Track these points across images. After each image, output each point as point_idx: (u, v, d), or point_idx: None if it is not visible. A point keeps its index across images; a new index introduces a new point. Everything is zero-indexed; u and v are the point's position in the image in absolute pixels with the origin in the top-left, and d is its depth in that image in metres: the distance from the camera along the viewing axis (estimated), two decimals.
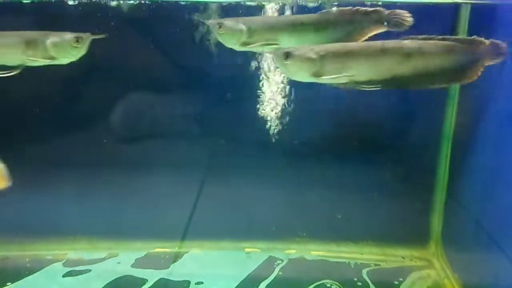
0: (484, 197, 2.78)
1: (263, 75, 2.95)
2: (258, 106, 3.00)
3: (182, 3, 2.69)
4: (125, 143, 3.25)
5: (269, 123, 3.05)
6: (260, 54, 2.86)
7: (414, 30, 2.81)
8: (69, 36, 2.22)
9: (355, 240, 3.35)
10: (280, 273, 3.11)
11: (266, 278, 3.03)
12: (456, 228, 3.15)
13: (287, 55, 2.00)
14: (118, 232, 3.35)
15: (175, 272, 3.11)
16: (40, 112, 3.11)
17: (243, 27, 2.16)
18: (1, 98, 3.02)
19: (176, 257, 3.28)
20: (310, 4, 2.45)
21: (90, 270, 3.09)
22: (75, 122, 3.17)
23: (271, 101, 3.00)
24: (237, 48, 2.24)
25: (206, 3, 2.64)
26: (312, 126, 3.17)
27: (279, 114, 3.04)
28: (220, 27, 2.20)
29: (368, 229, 3.33)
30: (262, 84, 2.98)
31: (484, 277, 2.77)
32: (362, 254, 3.32)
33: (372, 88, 2.14)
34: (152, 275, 3.04)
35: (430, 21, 2.77)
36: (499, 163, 2.62)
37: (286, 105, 3.02)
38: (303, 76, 2.09)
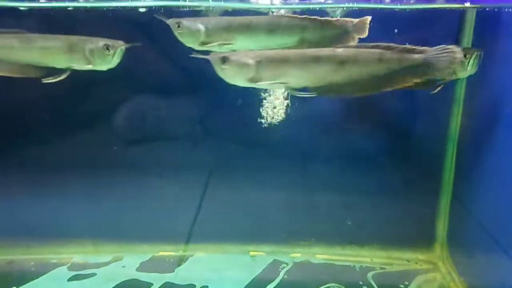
0: (489, 200, 2.78)
1: None
2: (263, 108, 3.00)
3: (185, 8, 2.70)
4: (130, 146, 3.24)
5: (274, 126, 3.05)
6: None
7: (419, 36, 2.85)
8: (100, 43, 2.23)
9: (360, 244, 3.35)
10: (286, 276, 3.10)
11: (271, 282, 3.03)
12: (461, 231, 3.15)
13: (224, 60, 2.06)
14: (123, 236, 3.35)
15: (180, 276, 3.11)
16: (46, 116, 3.12)
17: (201, 27, 2.22)
18: (5, 101, 3.03)
19: (180, 260, 3.28)
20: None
21: (95, 274, 3.09)
22: (81, 126, 3.17)
23: (277, 103, 3.00)
24: (196, 47, 2.28)
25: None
26: (318, 129, 3.17)
27: (285, 116, 3.04)
28: (178, 26, 2.26)
29: (373, 232, 3.33)
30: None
31: (490, 280, 2.77)
32: (367, 257, 3.32)
33: (307, 95, 2.21)
34: (157, 279, 3.04)
35: (435, 27, 2.79)
36: (504, 167, 2.61)
37: (292, 108, 3.02)
38: (240, 80, 2.16)
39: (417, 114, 3.18)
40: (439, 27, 2.82)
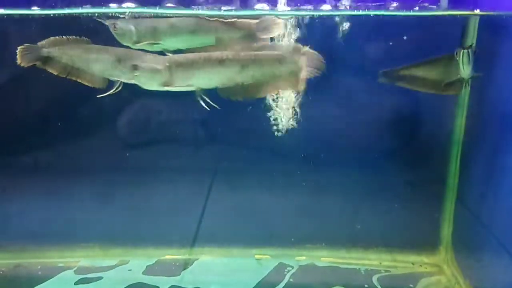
0: (494, 203, 2.78)
1: None
2: (267, 111, 3.01)
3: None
4: (136, 151, 3.26)
5: (281, 129, 3.06)
6: None
7: (423, 43, 2.88)
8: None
9: (365, 247, 3.35)
10: (291, 280, 3.11)
11: (277, 285, 3.03)
12: (466, 234, 3.16)
13: (135, 67, 2.17)
14: (129, 239, 3.36)
15: (186, 279, 3.11)
16: (55, 121, 3.15)
17: (132, 28, 2.33)
18: (17, 107, 3.06)
19: (186, 264, 3.29)
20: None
21: (101, 278, 3.10)
22: (87, 131, 3.19)
23: (281, 106, 3.02)
24: (132, 46, 2.38)
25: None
26: (323, 133, 3.18)
27: (290, 120, 3.05)
28: (114, 27, 2.37)
29: (378, 236, 3.33)
30: None
31: (495, 283, 2.77)
32: (372, 260, 3.32)
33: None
34: (163, 282, 3.05)
35: (439, 34, 2.81)
36: (509, 170, 2.62)
37: (296, 111, 3.03)
38: (153, 85, 2.28)
39: (422, 118, 3.20)
40: (442, 32, 2.84)
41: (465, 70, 2.46)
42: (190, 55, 2.37)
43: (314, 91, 2.93)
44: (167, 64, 2.24)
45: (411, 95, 3.13)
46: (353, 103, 3.16)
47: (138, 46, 2.39)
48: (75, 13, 2.42)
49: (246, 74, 2.39)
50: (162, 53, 2.43)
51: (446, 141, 3.18)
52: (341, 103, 3.16)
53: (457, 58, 2.44)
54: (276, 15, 2.47)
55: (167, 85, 2.26)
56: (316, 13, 2.56)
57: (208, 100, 2.39)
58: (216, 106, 2.40)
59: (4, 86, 3.04)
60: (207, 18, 2.39)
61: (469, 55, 2.41)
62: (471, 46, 2.45)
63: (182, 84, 2.28)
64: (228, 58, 2.34)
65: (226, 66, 2.35)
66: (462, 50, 2.42)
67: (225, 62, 2.34)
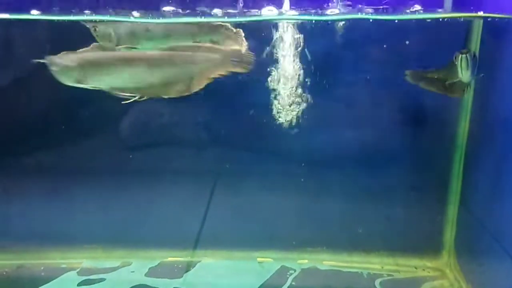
0: (497, 207, 2.78)
1: (277, 82, 2.97)
2: (270, 114, 3.02)
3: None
4: (138, 153, 3.27)
5: (283, 131, 3.07)
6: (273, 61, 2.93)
7: (426, 45, 2.89)
8: None
9: (367, 250, 3.35)
10: (293, 283, 3.11)
11: None
12: (469, 238, 3.15)
13: (51, 62, 2.24)
14: (132, 241, 3.36)
15: (188, 282, 3.12)
16: (55, 123, 3.16)
17: (112, 31, 2.38)
18: (19, 109, 3.08)
19: (188, 266, 3.29)
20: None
21: (104, 279, 3.10)
22: (90, 133, 3.20)
23: (284, 109, 3.02)
24: (113, 48, 2.43)
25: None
26: (324, 135, 3.19)
27: (294, 122, 3.06)
28: (95, 29, 2.43)
29: (381, 239, 3.33)
30: (276, 90, 3.00)
31: (497, 287, 2.76)
32: (375, 264, 3.31)
33: (129, 96, 2.38)
34: (165, 284, 3.06)
35: (442, 35, 2.82)
36: None
37: (300, 113, 3.04)
38: (68, 81, 2.33)
39: (425, 122, 3.19)
40: (445, 35, 2.85)
41: (463, 74, 2.46)
42: (104, 53, 2.42)
43: (316, 95, 2.94)
44: (80, 61, 2.28)
45: (414, 99, 3.15)
46: (356, 107, 3.17)
47: (119, 48, 2.44)
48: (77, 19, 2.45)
49: (156, 74, 2.43)
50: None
51: (449, 145, 3.18)
52: (344, 107, 3.16)
53: (456, 63, 2.44)
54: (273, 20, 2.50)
55: (80, 82, 2.31)
56: (317, 18, 2.57)
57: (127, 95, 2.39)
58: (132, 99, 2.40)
59: (7, 88, 3.06)
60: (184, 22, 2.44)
61: (467, 60, 2.41)
62: (469, 51, 2.44)
63: (95, 82, 2.32)
64: (138, 57, 2.39)
65: (135, 65, 2.39)
66: (460, 55, 2.42)
67: (134, 61, 2.39)
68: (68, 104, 3.12)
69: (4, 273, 3.17)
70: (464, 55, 2.39)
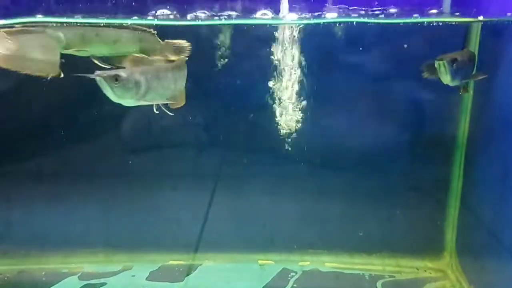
0: (498, 207, 2.78)
1: (278, 83, 2.98)
2: (271, 115, 3.03)
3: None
4: (137, 156, 3.27)
5: (284, 133, 3.08)
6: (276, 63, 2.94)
7: (424, 47, 2.89)
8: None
9: (369, 252, 3.35)
10: (295, 285, 3.11)
11: None
12: (470, 239, 3.16)
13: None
14: (132, 245, 3.36)
15: (189, 285, 3.12)
16: (58, 127, 3.17)
17: (61, 35, 2.34)
18: (19, 112, 3.08)
19: (189, 269, 3.29)
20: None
21: (105, 284, 3.10)
22: (91, 137, 3.21)
23: (285, 110, 3.03)
24: (62, 51, 2.38)
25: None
26: (324, 137, 3.19)
27: (294, 124, 3.07)
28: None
29: (382, 241, 3.33)
30: (277, 92, 3.01)
31: None
32: (376, 265, 3.32)
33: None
34: None
35: (441, 37, 2.82)
36: None
37: (301, 114, 3.05)
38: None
39: (425, 123, 3.21)
40: (445, 37, 2.85)
41: (444, 79, 2.45)
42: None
43: (317, 96, 2.95)
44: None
45: (414, 99, 3.16)
46: (356, 108, 3.18)
47: (66, 52, 2.40)
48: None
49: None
50: None
51: (450, 145, 3.19)
52: (344, 108, 3.17)
53: (436, 67, 2.43)
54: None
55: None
56: (318, 21, 2.58)
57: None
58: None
59: (7, 94, 3.07)
60: (133, 27, 2.41)
61: (445, 66, 2.41)
62: (445, 59, 2.43)
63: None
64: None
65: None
66: (438, 62, 2.41)
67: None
68: (69, 109, 3.12)
69: (6, 278, 3.17)
70: (442, 62, 2.38)
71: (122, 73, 2.11)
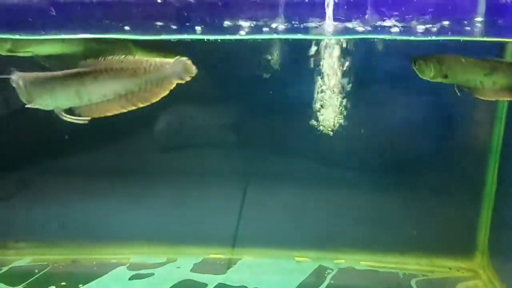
0: None
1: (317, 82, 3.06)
2: (308, 116, 3.08)
3: None
4: (182, 153, 3.42)
5: (320, 134, 3.14)
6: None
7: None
8: None
9: (402, 251, 3.43)
10: (332, 281, 3.19)
11: (319, 286, 3.13)
12: (502, 239, 3.22)
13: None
14: (175, 239, 3.52)
15: (231, 278, 3.24)
16: (108, 128, 3.29)
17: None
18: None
19: (230, 263, 3.41)
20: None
21: (153, 274, 3.25)
22: (138, 135, 3.38)
23: (322, 111, 3.07)
24: (3, 53, 2.42)
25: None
26: (362, 138, 3.26)
27: (330, 124, 3.13)
28: None
29: (415, 241, 3.40)
30: (312, 92, 3.06)
31: None
32: (409, 264, 3.39)
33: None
34: (210, 280, 3.18)
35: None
36: None
37: (336, 116, 3.11)
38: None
39: (459, 126, 3.28)
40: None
41: (423, 75, 2.58)
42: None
43: (353, 99, 3.02)
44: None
45: (448, 103, 3.22)
46: (393, 113, 3.25)
47: (11, 53, 2.45)
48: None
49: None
50: None
51: (484, 149, 3.25)
52: (380, 111, 3.25)
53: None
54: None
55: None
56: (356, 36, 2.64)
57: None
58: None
59: None
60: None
61: (415, 69, 2.54)
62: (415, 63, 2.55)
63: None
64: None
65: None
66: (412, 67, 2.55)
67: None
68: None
69: (60, 267, 3.34)
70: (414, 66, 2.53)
71: (20, 79, 2.07)
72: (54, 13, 2.25)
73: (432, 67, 2.55)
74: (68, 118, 2.16)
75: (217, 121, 3.42)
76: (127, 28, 2.29)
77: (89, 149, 3.35)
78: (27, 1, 2.31)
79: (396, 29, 2.43)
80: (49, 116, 2.13)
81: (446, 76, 2.58)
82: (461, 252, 3.42)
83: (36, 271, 3.28)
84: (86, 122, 2.17)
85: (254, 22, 2.50)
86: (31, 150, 3.35)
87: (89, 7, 2.27)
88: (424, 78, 2.60)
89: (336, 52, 2.84)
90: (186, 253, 3.50)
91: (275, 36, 2.42)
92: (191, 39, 2.33)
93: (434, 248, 3.42)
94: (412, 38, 2.41)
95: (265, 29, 2.42)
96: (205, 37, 2.36)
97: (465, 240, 3.41)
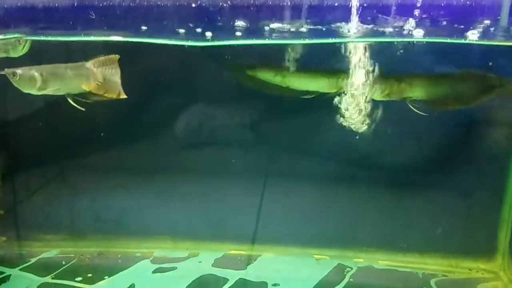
0: None
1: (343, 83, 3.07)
2: (328, 116, 3.07)
3: None
4: (206, 151, 3.50)
5: (342, 135, 3.17)
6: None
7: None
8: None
9: (422, 251, 3.43)
10: (351, 280, 3.22)
11: (338, 284, 3.15)
12: None
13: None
14: (197, 234, 3.59)
15: (251, 273, 3.29)
16: (133, 122, 3.44)
17: None
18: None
19: (250, 259, 3.47)
20: None
21: (175, 268, 3.33)
22: (163, 133, 3.48)
23: (345, 110, 3.09)
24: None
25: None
26: (384, 140, 3.26)
27: (351, 125, 3.15)
28: None
29: (435, 241, 3.41)
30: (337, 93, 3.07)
31: None
32: (429, 265, 3.40)
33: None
34: (231, 275, 3.24)
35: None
36: None
37: (358, 117, 3.13)
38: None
39: (482, 128, 3.27)
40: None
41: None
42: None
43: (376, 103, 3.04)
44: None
45: (472, 109, 3.19)
46: (420, 115, 3.24)
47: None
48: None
49: None
50: None
51: (506, 151, 3.26)
52: (408, 112, 3.20)
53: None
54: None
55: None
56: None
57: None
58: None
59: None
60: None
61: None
62: None
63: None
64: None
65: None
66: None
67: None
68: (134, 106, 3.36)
69: (86, 259, 3.45)
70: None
71: (19, 70, 2.43)
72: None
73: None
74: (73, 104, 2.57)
75: (239, 120, 3.49)
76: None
77: (119, 147, 3.46)
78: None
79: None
80: (87, 114, 2.34)
81: None
82: (482, 253, 3.40)
83: (64, 262, 3.39)
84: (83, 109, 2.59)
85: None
86: (68, 146, 3.47)
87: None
88: None
89: (360, 51, 2.89)
90: (207, 249, 3.57)
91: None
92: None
93: (455, 249, 3.42)
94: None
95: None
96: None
97: (486, 241, 3.40)
